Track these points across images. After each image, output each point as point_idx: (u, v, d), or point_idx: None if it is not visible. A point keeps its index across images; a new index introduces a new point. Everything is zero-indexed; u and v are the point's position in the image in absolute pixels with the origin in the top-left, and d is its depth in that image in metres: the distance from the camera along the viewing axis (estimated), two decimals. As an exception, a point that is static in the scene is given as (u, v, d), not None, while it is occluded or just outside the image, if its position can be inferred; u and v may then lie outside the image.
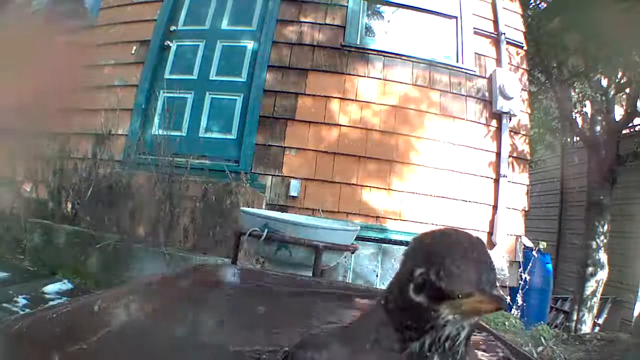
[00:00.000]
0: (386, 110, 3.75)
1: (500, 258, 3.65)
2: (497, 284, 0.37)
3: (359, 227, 2.00)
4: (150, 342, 0.73)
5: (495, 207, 3.74)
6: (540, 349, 2.76)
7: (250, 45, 3.92)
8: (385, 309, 0.40)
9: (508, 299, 3.66)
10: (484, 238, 3.68)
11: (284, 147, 3.65)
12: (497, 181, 3.78)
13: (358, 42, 3.88)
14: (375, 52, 3.85)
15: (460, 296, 0.35)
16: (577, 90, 6.16)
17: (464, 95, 3.89)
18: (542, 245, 3.90)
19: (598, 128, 5.72)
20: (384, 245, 3.47)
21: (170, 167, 2.90)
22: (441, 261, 0.36)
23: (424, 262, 0.37)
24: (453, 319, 0.36)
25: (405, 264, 0.40)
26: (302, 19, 3.89)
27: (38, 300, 2.26)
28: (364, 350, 0.39)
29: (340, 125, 3.69)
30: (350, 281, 3.21)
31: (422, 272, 0.37)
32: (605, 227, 5.36)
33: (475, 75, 3.95)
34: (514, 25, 4.21)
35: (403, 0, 4.06)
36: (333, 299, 1.11)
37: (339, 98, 3.73)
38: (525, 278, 3.59)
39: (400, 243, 3.45)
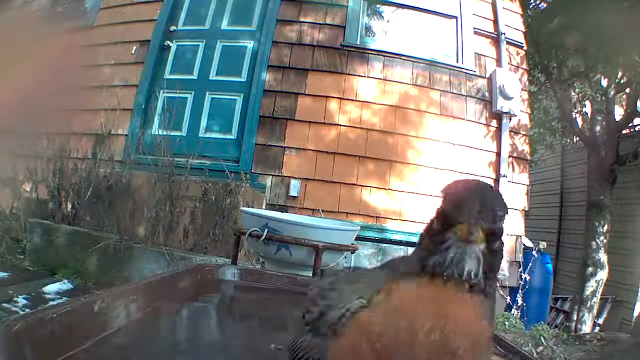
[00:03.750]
0: (386, 110, 3.75)
1: (500, 258, 3.65)
2: (500, 221, 0.42)
3: (359, 227, 2.00)
4: (150, 342, 0.73)
5: (495, 207, 3.74)
6: (540, 349, 2.76)
7: (250, 45, 3.92)
8: (419, 243, 0.48)
9: (508, 299, 3.66)
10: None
11: (284, 147, 3.65)
12: (497, 181, 3.78)
13: (358, 42, 3.89)
14: (375, 52, 3.85)
15: (457, 222, 0.41)
16: (577, 90, 6.17)
17: (464, 95, 3.89)
18: (542, 245, 3.90)
19: (598, 128, 5.72)
20: (384, 245, 3.47)
21: (170, 167, 2.90)
22: (454, 196, 0.43)
23: (445, 198, 0.44)
24: (454, 244, 0.42)
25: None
26: (302, 19, 3.89)
27: (38, 300, 2.26)
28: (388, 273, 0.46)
29: (340, 125, 3.69)
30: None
31: (442, 204, 0.45)
32: (605, 227, 5.36)
33: (475, 75, 3.95)
34: (514, 25, 4.21)
35: (403, 0, 4.06)
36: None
37: (338, 98, 3.73)
38: (525, 278, 3.59)
39: (400, 243, 3.46)
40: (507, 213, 0.43)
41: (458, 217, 0.41)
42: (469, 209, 0.41)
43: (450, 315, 0.40)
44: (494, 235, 0.42)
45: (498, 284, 3.57)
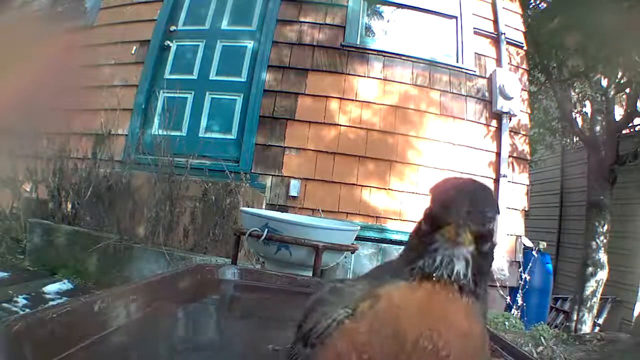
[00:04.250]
0: (386, 110, 3.75)
1: (500, 258, 3.65)
2: (490, 222, 0.42)
3: (359, 227, 2.00)
4: (150, 342, 0.73)
5: (495, 207, 3.74)
6: (540, 349, 2.76)
7: (250, 45, 3.92)
8: (407, 244, 0.47)
9: (508, 299, 3.66)
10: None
11: (284, 147, 3.65)
12: (497, 181, 3.78)
13: (358, 42, 3.88)
14: (375, 52, 3.85)
15: (445, 224, 0.40)
16: (577, 90, 6.17)
17: (464, 95, 3.89)
18: (542, 245, 3.90)
19: (598, 128, 5.72)
20: (384, 245, 3.47)
21: (170, 167, 2.90)
22: (442, 196, 0.42)
23: (433, 198, 0.44)
24: (442, 246, 0.41)
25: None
26: (302, 19, 3.89)
27: (38, 300, 2.26)
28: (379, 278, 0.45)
29: (340, 125, 3.69)
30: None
31: (430, 205, 0.43)
32: (605, 227, 5.36)
33: (475, 75, 3.95)
34: (514, 25, 4.21)
35: (403, 0, 4.06)
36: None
37: (338, 98, 3.73)
38: (525, 278, 3.59)
39: (400, 243, 3.45)
40: (498, 214, 0.43)
41: (446, 218, 0.40)
42: (457, 210, 0.40)
43: (440, 317, 0.40)
44: (483, 237, 0.41)
45: (498, 284, 3.57)
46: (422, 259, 0.42)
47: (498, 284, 3.57)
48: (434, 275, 0.41)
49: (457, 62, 3.95)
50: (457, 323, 0.40)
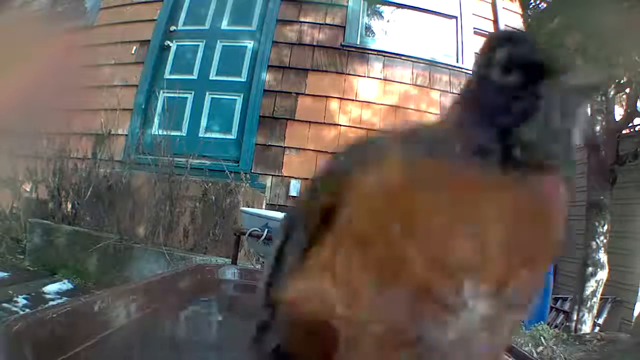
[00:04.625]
0: (386, 110, 3.75)
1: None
2: None
3: (359, 227, 1.99)
4: (150, 342, 0.73)
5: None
6: (540, 349, 2.76)
7: (250, 45, 3.92)
8: (464, 109, 0.33)
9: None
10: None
11: (284, 147, 3.64)
12: (497, 181, 3.78)
13: (358, 42, 3.89)
14: (375, 52, 3.85)
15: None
16: (577, 90, 6.16)
17: (464, 95, 3.89)
18: (542, 245, 3.89)
19: (598, 128, 5.72)
20: (384, 245, 3.46)
21: (170, 167, 2.90)
22: (528, 37, 0.31)
23: (506, 41, 0.31)
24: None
25: (481, 53, 0.33)
26: (302, 19, 3.89)
27: (38, 300, 2.26)
28: (452, 155, 0.31)
29: (340, 125, 3.69)
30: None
31: (508, 49, 0.31)
32: (605, 227, 5.35)
33: (475, 75, 3.95)
34: (514, 25, 4.22)
35: (403, 0, 4.06)
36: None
37: (338, 98, 3.73)
38: (525, 278, 3.58)
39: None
40: None
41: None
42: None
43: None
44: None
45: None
46: (522, 122, 0.30)
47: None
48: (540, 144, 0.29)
49: (457, 62, 3.95)
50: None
